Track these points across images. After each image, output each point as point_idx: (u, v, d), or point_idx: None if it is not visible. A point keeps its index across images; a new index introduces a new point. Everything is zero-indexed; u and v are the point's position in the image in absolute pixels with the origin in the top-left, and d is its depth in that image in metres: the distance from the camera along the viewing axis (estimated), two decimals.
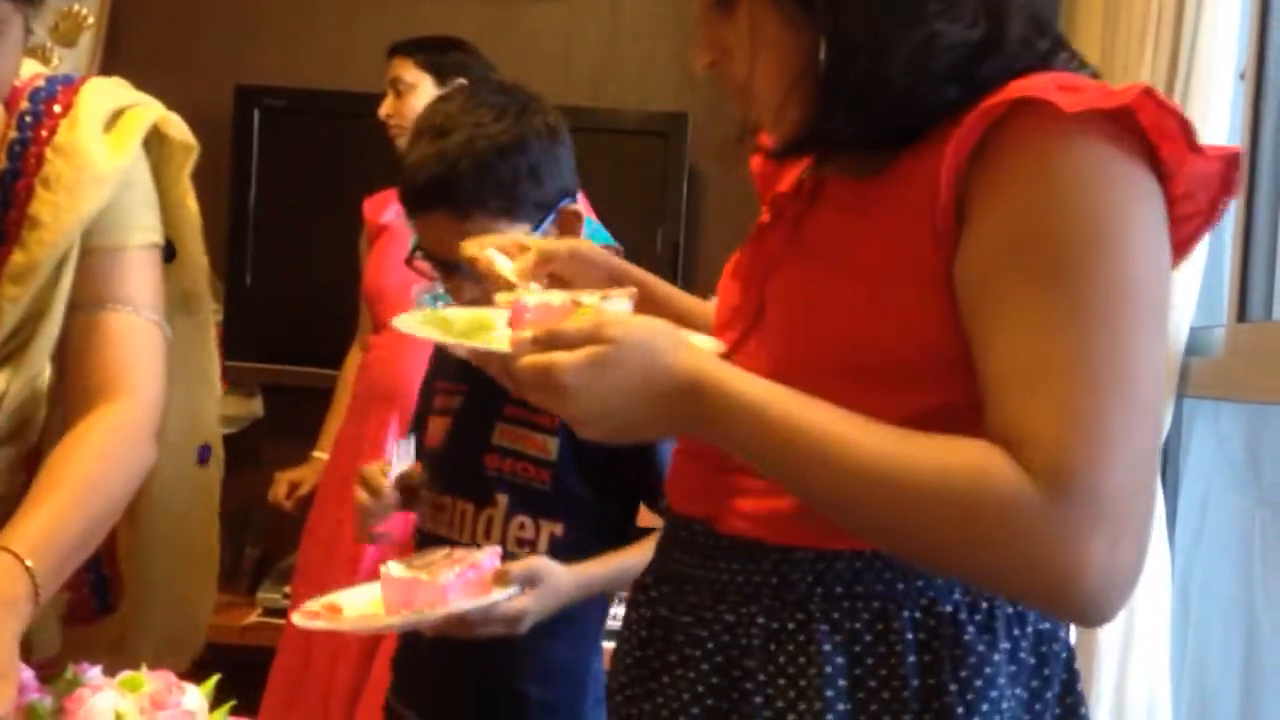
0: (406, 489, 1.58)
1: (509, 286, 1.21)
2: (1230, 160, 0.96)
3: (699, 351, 0.96)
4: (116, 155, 1.37)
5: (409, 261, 1.59)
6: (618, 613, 2.70)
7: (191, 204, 1.50)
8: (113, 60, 3.37)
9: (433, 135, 1.52)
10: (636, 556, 1.47)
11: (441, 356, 1.70)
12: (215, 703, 1.22)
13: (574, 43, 3.41)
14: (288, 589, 2.83)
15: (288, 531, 2.96)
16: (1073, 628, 1.04)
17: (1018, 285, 0.89)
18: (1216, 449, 2.07)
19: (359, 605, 1.36)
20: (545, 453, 1.53)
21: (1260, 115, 1.88)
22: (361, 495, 1.56)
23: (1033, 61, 0.96)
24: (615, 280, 1.23)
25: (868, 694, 0.95)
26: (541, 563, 1.40)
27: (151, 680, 1.21)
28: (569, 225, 1.57)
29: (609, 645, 2.65)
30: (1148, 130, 0.91)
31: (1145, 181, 0.91)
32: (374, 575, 1.35)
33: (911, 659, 0.95)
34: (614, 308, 1.06)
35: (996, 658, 0.96)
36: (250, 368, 3.24)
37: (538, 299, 1.06)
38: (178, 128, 1.46)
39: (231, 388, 3.11)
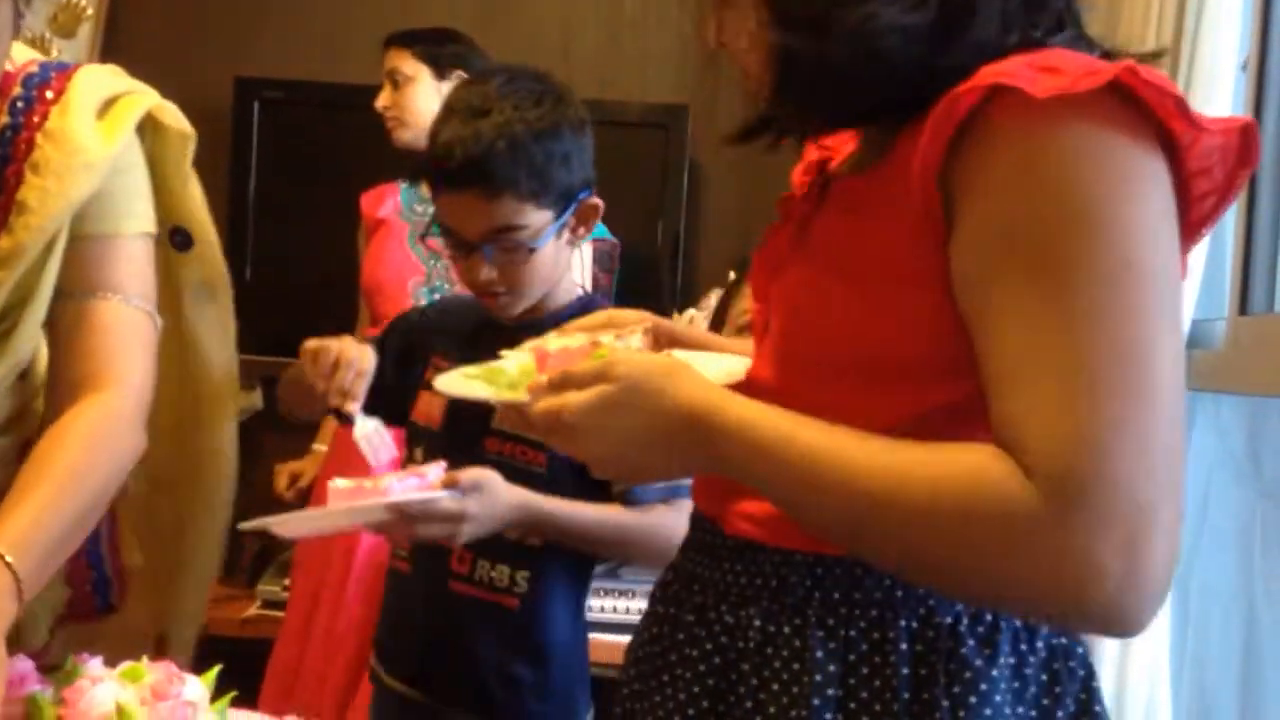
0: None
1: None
2: (1245, 131, 0.91)
3: (699, 381, 0.95)
4: (108, 142, 1.36)
5: (423, 238, 1.60)
6: (630, 606, 2.73)
7: (196, 191, 1.50)
8: (111, 52, 3.36)
9: (468, 115, 1.53)
10: (589, 510, 1.51)
11: (439, 325, 1.70)
12: (216, 694, 1.22)
13: (573, 34, 3.40)
14: (287, 581, 2.84)
15: None
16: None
17: (1008, 281, 0.85)
18: (1218, 442, 2.06)
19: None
20: None
21: (1262, 106, 1.87)
22: None
23: (1018, 44, 0.91)
24: (655, 339, 1.21)
25: (859, 704, 0.93)
26: (487, 472, 1.44)
27: (152, 671, 1.21)
28: (588, 217, 1.60)
29: (616, 639, 2.66)
30: (1154, 107, 0.87)
31: (1142, 160, 0.86)
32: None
33: (905, 671, 0.92)
34: (629, 345, 1.09)
35: (995, 673, 0.92)
36: (250, 360, 3.23)
37: (559, 343, 1.11)
38: (173, 115, 1.45)
39: None
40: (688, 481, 1.59)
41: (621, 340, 1.10)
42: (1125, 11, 2.07)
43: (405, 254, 2.75)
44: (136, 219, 1.41)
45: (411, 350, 1.68)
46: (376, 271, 2.78)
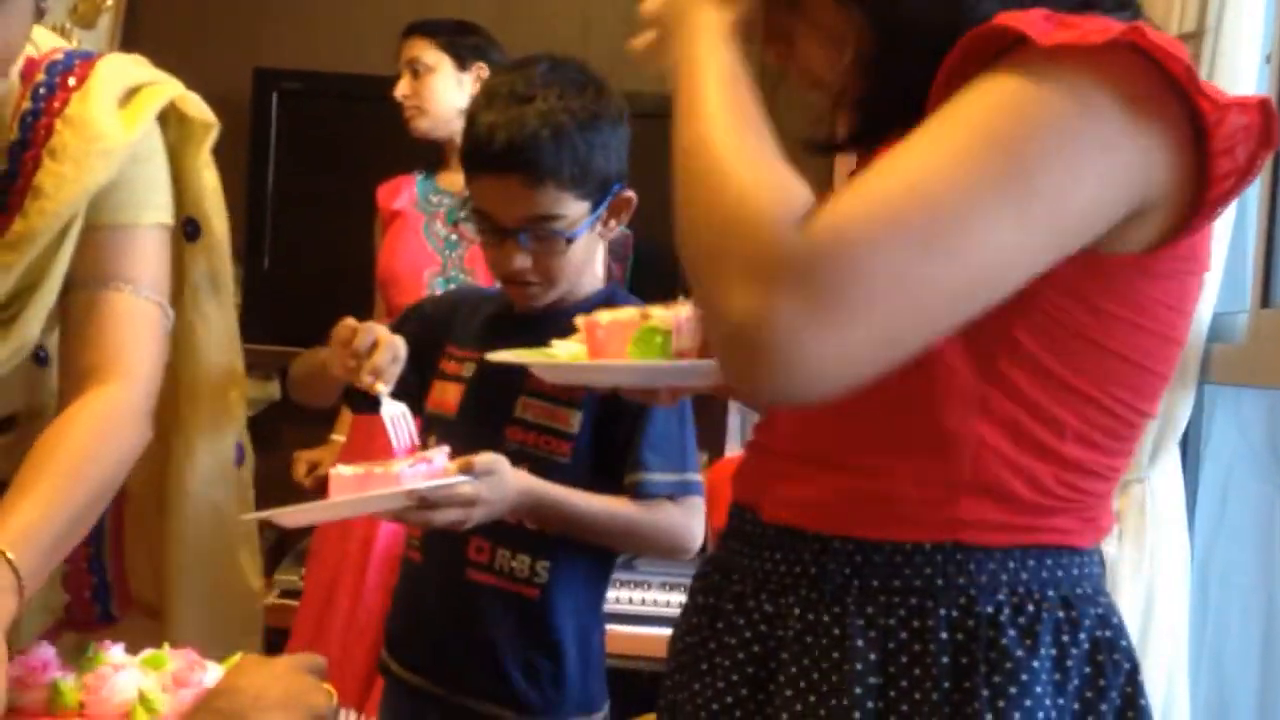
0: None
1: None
2: (1264, 110, 0.88)
3: None
4: (127, 130, 1.36)
5: (456, 222, 1.60)
6: (645, 598, 2.73)
7: (211, 182, 1.49)
8: (131, 43, 3.37)
9: (511, 100, 1.52)
10: (596, 501, 1.52)
11: (453, 316, 1.70)
12: None
13: (592, 25, 3.39)
14: (304, 570, 2.84)
15: None
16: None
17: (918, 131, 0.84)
18: (1238, 435, 2.06)
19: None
20: (569, 426, 1.54)
21: None
22: None
23: (1057, 7, 0.89)
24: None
25: (898, 693, 0.92)
26: (497, 457, 1.45)
27: (174, 658, 1.21)
28: (621, 209, 1.61)
29: (645, 631, 2.65)
30: (1183, 81, 0.84)
31: (1117, 121, 0.84)
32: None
33: (945, 660, 0.91)
34: (678, 314, 1.13)
35: (1036, 664, 0.91)
36: (268, 350, 3.23)
37: (609, 316, 1.15)
38: (196, 105, 1.45)
39: (249, 371, 3.12)
40: (697, 480, 1.59)
41: (670, 311, 1.13)
42: (1148, 5, 2.06)
43: (421, 245, 2.76)
44: (155, 210, 1.41)
45: (425, 340, 1.68)
46: (392, 263, 2.78)
